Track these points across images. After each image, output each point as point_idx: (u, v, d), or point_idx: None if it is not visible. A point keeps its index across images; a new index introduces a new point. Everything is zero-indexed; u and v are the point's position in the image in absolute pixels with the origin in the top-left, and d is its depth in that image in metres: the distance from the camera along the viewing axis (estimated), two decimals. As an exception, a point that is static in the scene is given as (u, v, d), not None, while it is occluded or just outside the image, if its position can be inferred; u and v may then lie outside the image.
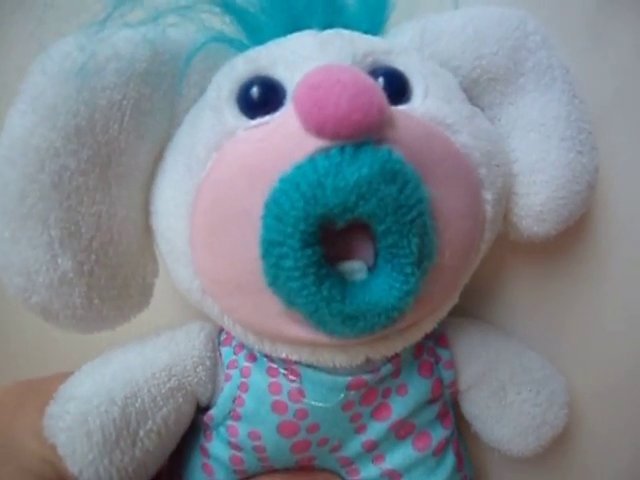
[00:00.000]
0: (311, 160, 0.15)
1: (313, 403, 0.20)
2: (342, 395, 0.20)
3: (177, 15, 0.17)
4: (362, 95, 0.14)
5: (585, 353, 0.26)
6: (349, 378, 0.20)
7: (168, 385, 0.19)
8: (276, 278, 0.15)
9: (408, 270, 0.16)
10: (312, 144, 0.15)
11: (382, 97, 0.15)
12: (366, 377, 0.20)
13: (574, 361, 0.26)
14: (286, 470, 0.22)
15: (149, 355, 0.20)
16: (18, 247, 0.17)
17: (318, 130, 0.15)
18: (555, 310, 0.26)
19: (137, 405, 0.18)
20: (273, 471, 0.22)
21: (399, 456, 0.22)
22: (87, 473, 0.18)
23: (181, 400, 0.20)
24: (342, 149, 0.15)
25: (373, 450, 0.22)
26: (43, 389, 0.19)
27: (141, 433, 0.19)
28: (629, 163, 0.24)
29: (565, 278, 0.26)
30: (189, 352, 0.20)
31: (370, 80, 0.15)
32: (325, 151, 0.15)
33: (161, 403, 0.19)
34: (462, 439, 0.25)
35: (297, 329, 0.17)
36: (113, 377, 0.19)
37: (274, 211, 0.15)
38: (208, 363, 0.20)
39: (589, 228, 0.25)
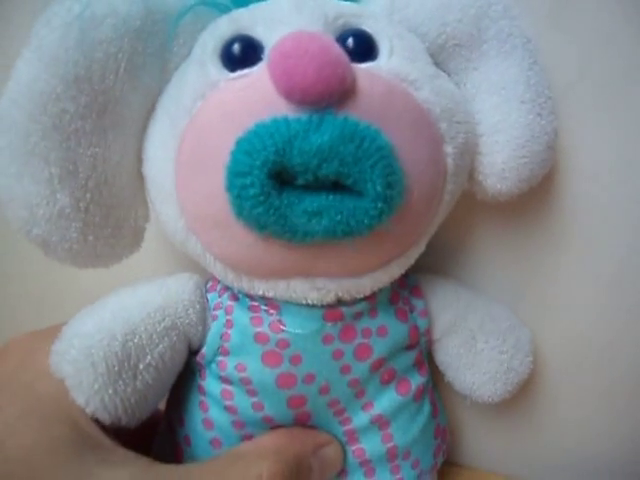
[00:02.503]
0: (285, 120, 0.17)
1: (292, 331, 0.21)
2: (319, 324, 0.21)
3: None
4: (326, 67, 0.16)
5: (549, 309, 0.28)
6: (325, 309, 0.21)
7: (163, 324, 0.21)
8: (241, 208, 0.17)
9: (372, 204, 0.17)
10: (283, 104, 0.17)
11: (345, 68, 0.17)
12: (342, 308, 0.21)
13: (539, 316, 0.27)
14: (289, 428, 0.23)
15: (144, 298, 0.21)
16: (22, 182, 0.19)
17: (287, 95, 0.17)
18: (521, 268, 0.28)
19: (136, 341, 0.20)
20: (276, 427, 0.23)
21: (385, 401, 0.24)
22: (93, 402, 0.19)
23: (175, 339, 0.21)
24: (310, 117, 0.17)
25: (361, 396, 0.23)
26: (49, 336, 0.20)
27: (141, 367, 0.20)
28: (592, 135, 0.26)
29: (530, 238, 0.27)
30: (180, 296, 0.22)
31: (336, 50, 0.17)
32: (297, 115, 0.17)
33: (157, 340, 0.21)
34: (436, 390, 0.27)
35: (271, 256, 0.19)
36: (112, 317, 0.20)
37: (245, 147, 0.17)
38: (198, 307, 0.22)
39: (554, 193, 0.26)
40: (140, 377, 0.20)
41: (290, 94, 0.17)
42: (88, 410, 0.19)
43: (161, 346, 0.21)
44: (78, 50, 0.18)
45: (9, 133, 0.18)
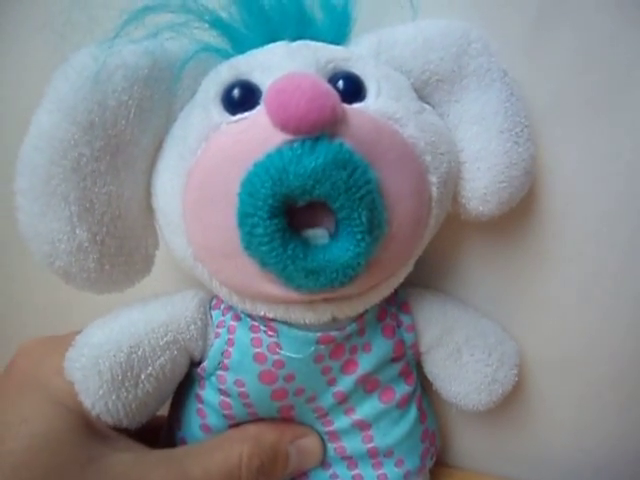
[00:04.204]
0: (279, 151, 0.18)
1: (288, 354, 0.23)
2: (313, 348, 0.23)
3: (173, 31, 0.21)
4: (318, 99, 0.18)
5: (534, 322, 0.29)
6: (319, 334, 0.23)
7: (165, 339, 0.23)
8: (250, 243, 0.19)
9: (359, 237, 0.19)
10: (280, 137, 0.18)
11: (335, 100, 0.19)
12: (334, 333, 0.23)
13: (523, 329, 0.29)
14: (271, 419, 0.25)
15: (150, 314, 0.23)
16: (44, 220, 0.20)
17: (283, 126, 0.18)
18: (506, 283, 0.29)
19: (139, 353, 0.22)
20: (259, 419, 0.25)
21: (367, 408, 0.26)
22: (98, 406, 0.21)
23: (176, 352, 0.23)
24: (303, 143, 0.18)
25: (344, 402, 0.25)
26: (63, 341, 0.23)
27: (142, 376, 0.22)
28: (567, 156, 0.27)
29: (514, 255, 0.29)
30: (183, 313, 0.24)
31: (326, 86, 0.19)
32: (290, 143, 0.18)
33: (159, 353, 0.23)
34: (426, 397, 0.29)
35: (271, 287, 0.21)
36: (120, 330, 0.23)
37: (248, 189, 0.18)
38: (199, 323, 0.24)
39: (534, 211, 0.28)
40: (141, 386, 0.22)
41: (285, 125, 0.18)
42: (94, 413, 0.21)
43: (162, 358, 0.23)
44: (93, 99, 0.20)
45: (32, 176, 0.20)
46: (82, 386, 0.21)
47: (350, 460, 0.27)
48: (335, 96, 0.19)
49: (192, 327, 0.24)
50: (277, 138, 0.19)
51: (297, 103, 0.18)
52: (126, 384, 0.22)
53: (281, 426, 0.25)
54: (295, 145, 0.18)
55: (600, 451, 0.30)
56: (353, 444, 0.26)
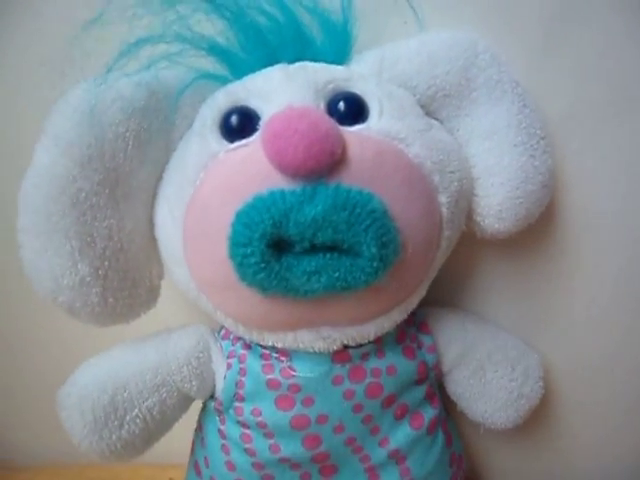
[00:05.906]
0: (282, 192, 0.18)
1: (302, 375, 0.22)
2: (328, 366, 0.22)
3: (168, 60, 0.20)
4: (316, 144, 0.17)
5: (555, 340, 0.28)
6: (333, 352, 0.22)
7: (154, 381, 0.23)
8: (245, 274, 0.18)
9: (368, 263, 0.18)
10: (279, 175, 0.18)
11: (334, 141, 0.18)
12: (349, 350, 0.22)
13: (545, 347, 0.28)
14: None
15: (142, 354, 0.23)
16: (46, 256, 0.20)
17: (281, 171, 0.18)
18: (526, 301, 0.28)
19: (125, 395, 0.22)
20: (295, 466, 0.23)
21: (400, 436, 0.24)
22: (84, 444, 0.22)
23: (165, 395, 0.23)
24: (304, 189, 0.18)
25: (377, 433, 0.24)
26: None
27: (127, 418, 0.22)
28: (585, 167, 0.26)
29: (534, 272, 0.28)
30: (176, 354, 0.23)
31: (325, 125, 0.18)
32: (292, 185, 0.18)
33: (146, 395, 0.23)
34: (450, 419, 0.28)
35: (277, 313, 0.20)
36: (109, 370, 0.23)
37: (244, 219, 0.18)
38: (194, 363, 0.23)
39: (554, 227, 0.27)
40: (127, 427, 0.22)
41: (284, 171, 0.18)
42: (81, 450, 0.22)
43: (150, 400, 0.23)
44: (90, 134, 0.20)
45: (33, 214, 0.20)
46: (67, 424, 0.22)
47: None
48: (334, 136, 0.18)
49: (185, 368, 0.23)
50: (276, 176, 0.18)
51: (294, 150, 0.17)
52: (109, 425, 0.22)
53: None
54: (297, 191, 0.18)
55: (626, 468, 0.28)
56: None
